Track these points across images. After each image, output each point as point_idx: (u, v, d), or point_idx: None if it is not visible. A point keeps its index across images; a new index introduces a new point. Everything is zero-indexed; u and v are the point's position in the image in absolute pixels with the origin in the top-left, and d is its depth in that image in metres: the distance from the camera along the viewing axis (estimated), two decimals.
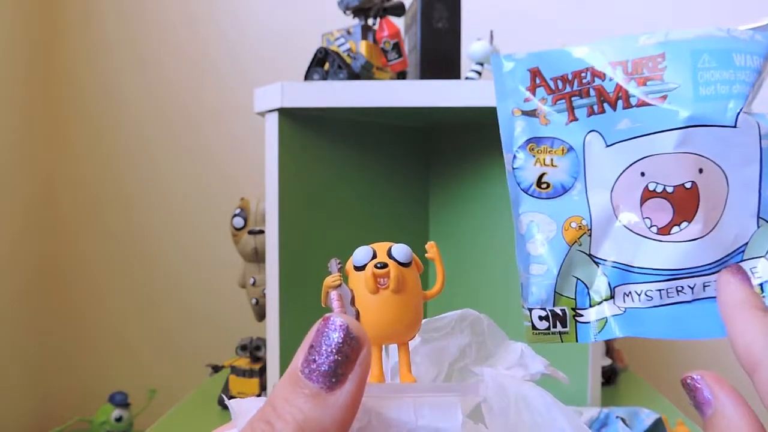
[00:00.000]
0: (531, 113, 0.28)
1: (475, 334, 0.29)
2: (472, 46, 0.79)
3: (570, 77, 0.27)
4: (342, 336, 0.19)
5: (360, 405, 0.19)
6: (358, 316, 0.23)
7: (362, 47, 0.75)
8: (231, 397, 0.83)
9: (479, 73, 0.79)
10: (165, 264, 1.20)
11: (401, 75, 0.81)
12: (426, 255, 0.26)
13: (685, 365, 1.14)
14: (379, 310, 0.23)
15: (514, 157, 0.28)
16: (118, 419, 1.03)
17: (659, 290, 0.26)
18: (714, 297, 0.25)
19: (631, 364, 1.00)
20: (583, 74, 0.27)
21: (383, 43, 0.76)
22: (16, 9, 1.12)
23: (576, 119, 0.27)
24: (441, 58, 0.78)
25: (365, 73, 0.73)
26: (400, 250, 0.24)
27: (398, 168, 0.87)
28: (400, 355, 0.24)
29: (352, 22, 0.78)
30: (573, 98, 0.27)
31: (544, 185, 0.27)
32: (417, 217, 0.90)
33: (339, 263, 0.25)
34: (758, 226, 0.26)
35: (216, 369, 0.97)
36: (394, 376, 0.26)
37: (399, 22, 0.82)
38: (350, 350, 0.19)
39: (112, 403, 1.04)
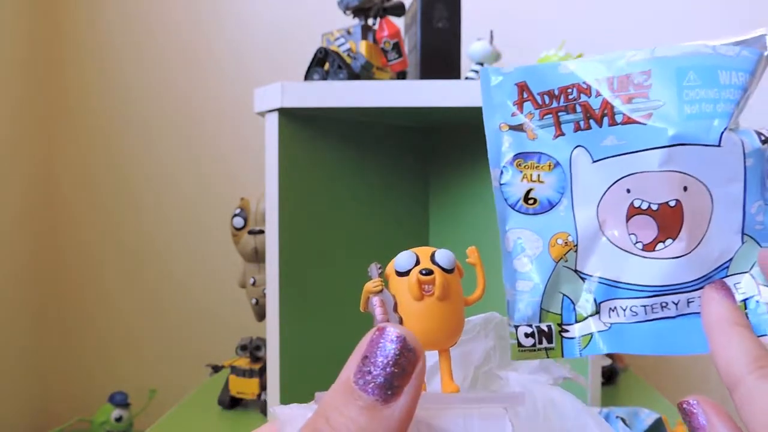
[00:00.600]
0: (518, 128, 0.28)
1: (499, 337, 0.28)
2: (472, 46, 0.79)
3: (557, 92, 0.27)
4: (399, 348, 0.18)
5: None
6: (401, 322, 0.23)
7: (362, 47, 0.75)
8: (231, 397, 0.83)
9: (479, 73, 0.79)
10: (165, 264, 1.20)
11: (401, 75, 0.81)
12: (467, 260, 0.26)
13: (684, 365, 1.14)
14: (423, 318, 0.23)
15: (501, 172, 0.28)
16: (118, 419, 1.03)
17: (644, 306, 0.26)
18: (698, 313, 0.26)
19: (631, 364, 1.00)
20: (569, 90, 0.27)
21: (383, 43, 0.76)
22: (22, 7, 1.12)
23: (563, 134, 0.27)
24: (441, 58, 0.78)
25: (365, 73, 0.73)
26: (444, 256, 0.24)
27: (398, 168, 0.87)
28: (441, 362, 0.24)
29: (352, 22, 0.78)
30: (560, 113, 0.27)
31: (531, 201, 0.27)
32: (417, 216, 0.90)
33: (380, 268, 0.24)
34: (742, 242, 0.26)
35: (216, 369, 0.97)
36: (429, 378, 0.25)
37: (399, 22, 0.82)
38: (407, 362, 0.18)
39: (112, 403, 1.04)
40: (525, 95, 0.28)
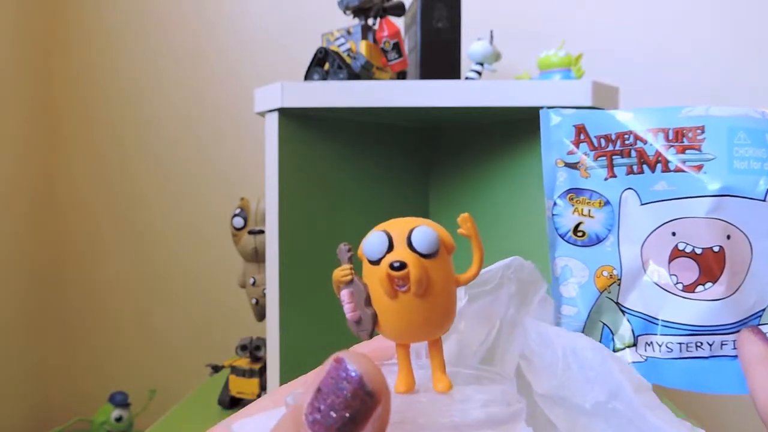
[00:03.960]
0: (573, 165, 0.30)
1: (518, 280, 0.27)
2: (472, 46, 0.79)
3: (613, 137, 0.30)
4: (354, 389, 0.15)
5: None
6: (375, 318, 0.20)
7: (362, 47, 0.75)
8: (231, 397, 0.83)
9: (479, 73, 0.79)
10: (165, 264, 1.20)
11: (401, 75, 0.81)
12: (458, 231, 0.21)
13: None
14: (400, 316, 0.19)
15: (555, 204, 0.30)
16: (118, 419, 1.03)
17: (680, 344, 0.28)
18: (730, 356, 0.27)
19: None
20: (626, 136, 0.29)
21: (383, 43, 0.76)
22: (27, 4, 1.12)
23: (615, 176, 0.29)
24: (441, 58, 0.78)
25: (365, 73, 0.73)
26: (423, 238, 0.19)
27: (398, 168, 0.87)
28: (431, 354, 0.21)
29: (352, 22, 0.78)
30: (614, 157, 0.29)
31: (580, 233, 0.29)
32: (417, 216, 0.90)
33: (349, 250, 0.20)
34: None
35: (216, 369, 0.97)
36: (428, 355, 0.22)
37: (399, 22, 0.82)
38: (362, 407, 0.15)
39: (112, 403, 1.04)
40: (582, 136, 0.30)
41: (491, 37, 0.80)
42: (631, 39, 1.12)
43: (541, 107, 0.31)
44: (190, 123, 1.19)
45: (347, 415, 0.15)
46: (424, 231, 0.19)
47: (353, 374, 0.16)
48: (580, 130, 0.30)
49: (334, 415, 0.15)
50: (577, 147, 0.30)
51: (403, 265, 0.19)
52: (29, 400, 1.16)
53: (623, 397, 0.21)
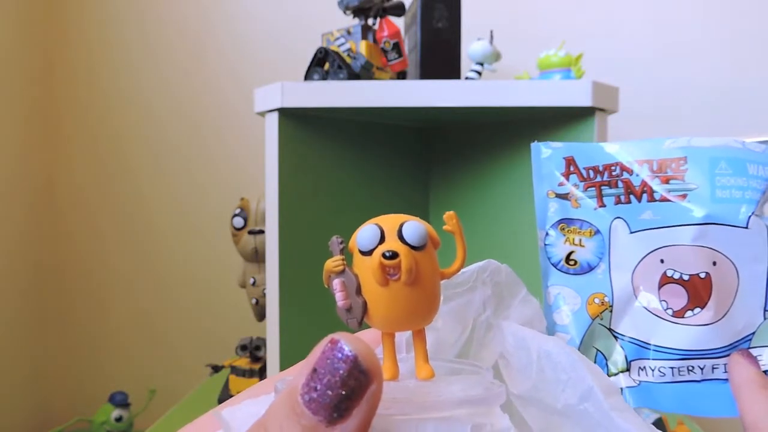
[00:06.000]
0: (564, 196, 0.31)
1: (494, 284, 0.27)
2: (472, 46, 0.79)
3: (601, 168, 0.31)
4: (349, 368, 0.16)
5: None
6: (365, 307, 0.21)
7: (362, 47, 0.75)
8: (231, 397, 0.83)
9: (479, 73, 0.79)
10: (165, 264, 1.20)
11: (401, 75, 0.81)
12: (444, 228, 0.23)
13: None
14: (390, 304, 0.20)
15: (547, 234, 0.31)
16: (118, 419, 1.03)
17: (672, 368, 0.28)
18: (721, 379, 0.28)
19: None
20: (613, 167, 0.30)
21: (383, 43, 0.76)
22: (20, 11, 1.12)
23: (604, 206, 0.30)
24: (441, 58, 0.78)
25: (365, 73, 0.73)
26: (413, 231, 0.21)
27: (398, 168, 0.87)
28: (415, 344, 0.22)
29: (352, 22, 0.78)
30: (602, 187, 0.30)
31: (572, 262, 0.30)
32: (417, 216, 0.90)
33: (341, 243, 0.22)
34: (765, 318, 0.28)
35: (216, 369, 0.97)
36: (408, 350, 0.23)
37: (399, 22, 0.82)
38: (357, 385, 0.16)
39: (112, 403, 1.04)
40: (572, 168, 0.31)
41: (491, 37, 0.79)
42: (631, 39, 1.12)
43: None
44: (190, 123, 1.19)
45: (343, 392, 0.16)
46: (414, 225, 0.21)
47: (349, 354, 0.16)
48: (570, 162, 0.31)
49: (331, 393, 0.16)
50: (567, 179, 0.31)
51: (395, 255, 0.20)
52: (29, 400, 1.16)
53: (594, 400, 0.22)
